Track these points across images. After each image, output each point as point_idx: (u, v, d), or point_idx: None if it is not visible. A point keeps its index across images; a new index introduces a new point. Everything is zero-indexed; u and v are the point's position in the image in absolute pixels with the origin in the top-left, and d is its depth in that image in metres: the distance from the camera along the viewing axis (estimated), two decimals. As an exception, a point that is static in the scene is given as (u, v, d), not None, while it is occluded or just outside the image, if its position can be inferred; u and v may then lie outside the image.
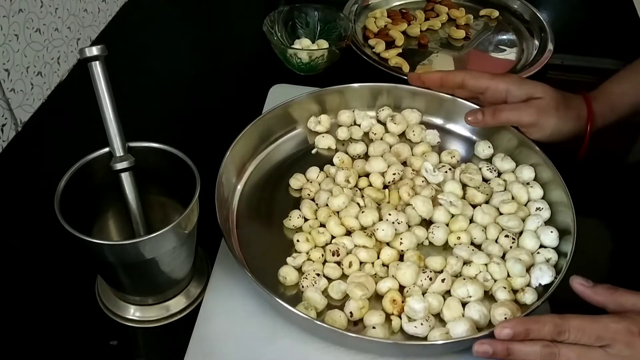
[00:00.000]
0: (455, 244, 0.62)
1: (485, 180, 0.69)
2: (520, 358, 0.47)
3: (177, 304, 0.57)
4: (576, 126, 0.67)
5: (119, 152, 0.52)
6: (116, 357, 0.54)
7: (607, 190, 0.72)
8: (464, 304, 0.56)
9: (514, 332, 0.47)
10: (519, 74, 0.84)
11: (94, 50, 0.49)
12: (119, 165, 0.52)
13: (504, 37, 0.96)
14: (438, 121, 0.76)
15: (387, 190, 0.67)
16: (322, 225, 0.63)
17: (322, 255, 0.60)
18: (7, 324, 0.56)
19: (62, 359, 0.54)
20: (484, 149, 0.72)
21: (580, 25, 1.03)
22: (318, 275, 0.58)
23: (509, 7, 1.00)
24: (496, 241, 0.62)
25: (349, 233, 0.62)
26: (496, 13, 0.99)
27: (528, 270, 0.58)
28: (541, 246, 0.61)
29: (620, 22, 1.02)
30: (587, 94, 0.69)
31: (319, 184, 0.67)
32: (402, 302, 0.56)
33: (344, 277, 0.59)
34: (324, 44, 0.86)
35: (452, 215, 0.64)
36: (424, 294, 0.56)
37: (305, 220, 0.64)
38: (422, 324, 0.54)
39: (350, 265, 0.59)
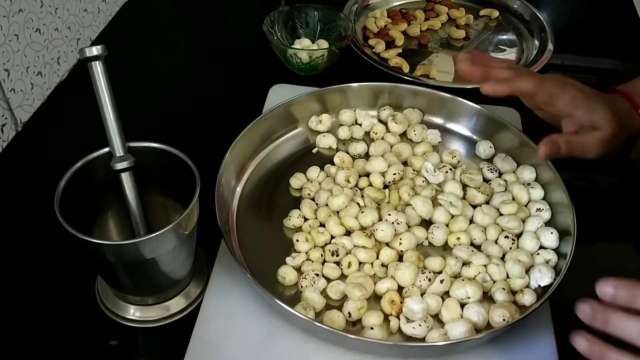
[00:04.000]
0: (454, 245, 0.62)
1: (485, 180, 0.69)
2: (616, 331, 0.43)
3: (177, 304, 0.57)
4: (622, 144, 0.65)
5: (119, 152, 0.52)
6: (116, 357, 0.54)
7: (608, 191, 0.72)
8: (462, 305, 0.56)
9: (616, 294, 0.43)
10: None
11: (94, 50, 0.49)
12: (119, 165, 0.52)
13: (504, 37, 0.96)
14: (439, 121, 0.76)
15: (387, 190, 0.67)
16: (322, 225, 0.63)
17: (322, 255, 0.60)
18: (8, 324, 0.56)
19: (62, 359, 0.54)
20: (485, 149, 0.72)
21: (580, 25, 1.03)
22: (317, 275, 0.58)
23: (509, 7, 1.00)
24: (496, 242, 0.62)
25: (348, 233, 0.62)
26: (496, 13, 0.99)
27: (527, 271, 0.58)
28: (541, 247, 0.61)
29: (620, 22, 1.02)
30: (631, 97, 0.65)
31: (319, 184, 0.67)
32: (401, 302, 0.56)
33: (342, 277, 0.59)
34: (324, 44, 0.86)
35: (452, 216, 0.64)
36: (422, 294, 0.57)
37: (305, 219, 0.64)
38: (420, 325, 0.54)
39: (349, 265, 0.59)
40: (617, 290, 0.44)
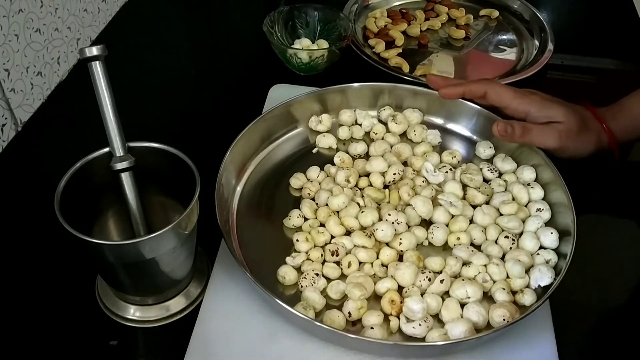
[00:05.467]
0: (454, 245, 0.62)
1: (485, 180, 0.69)
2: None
3: (177, 304, 0.57)
4: (596, 146, 0.67)
5: (119, 152, 0.52)
6: (116, 357, 0.54)
7: (607, 191, 0.72)
8: (462, 305, 0.56)
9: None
10: (519, 74, 0.84)
11: (94, 50, 0.49)
12: (119, 165, 0.52)
13: (504, 37, 0.96)
14: (439, 121, 0.76)
15: (387, 190, 0.67)
16: (322, 225, 0.63)
17: (322, 255, 0.60)
18: (8, 324, 0.56)
19: (62, 359, 0.54)
20: (485, 149, 0.72)
21: (580, 25, 1.03)
22: (317, 275, 0.58)
23: (509, 7, 1.00)
24: (496, 242, 0.62)
25: (348, 233, 0.62)
26: (496, 13, 0.99)
27: (527, 271, 0.58)
28: (541, 247, 0.61)
29: (620, 22, 1.02)
30: (598, 110, 0.68)
31: (320, 184, 0.67)
32: (401, 302, 0.56)
33: (342, 277, 0.59)
34: (324, 44, 0.86)
35: (452, 216, 0.64)
36: (422, 294, 0.56)
37: (305, 219, 0.64)
38: (420, 325, 0.54)
39: (349, 265, 0.59)
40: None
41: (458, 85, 0.68)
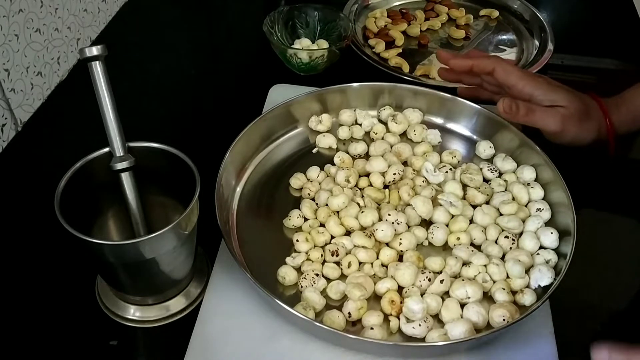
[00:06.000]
0: (454, 245, 0.62)
1: (486, 180, 0.69)
2: None
3: (177, 304, 0.57)
4: (596, 135, 0.68)
5: (119, 152, 0.52)
6: (116, 357, 0.54)
7: (608, 190, 0.72)
8: (462, 305, 0.56)
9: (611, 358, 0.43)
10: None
11: (94, 50, 0.49)
12: (119, 165, 0.52)
13: (504, 37, 0.96)
14: (439, 121, 0.76)
15: (387, 190, 0.67)
16: (322, 225, 0.63)
17: (322, 255, 0.60)
18: (8, 324, 0.56)
19: (62, 359, 0.54)
20: (485, 149, 0.72)
21: (580, 25, 1.03)
22: (317, 275, 0.58)
23: (509, 7, 1.00)
24: (496, 242, 0.62)
25: (348, 233, 0.62)
26: (496, 13, 0.99)
27: (527, 271, 0.58)
28: (541, 247, 0.61)
29: (620, 22, 1.02)
30: (603, 101, 0.69)
31: (319, 184, 0.67)
32: (401, 302, 0.56)
33: (342, 277, 0.59)
34: (324, 44, 0.86)
35: (452, 216, 0.64)
36: (422, 294, 0.56)
37: (305, 220, 0.64)
38: (420, 325, 0.54)
39: (349, 265, 0.59)
40: (611, 355, 0.43)
41: (467, 58, 0.71)
